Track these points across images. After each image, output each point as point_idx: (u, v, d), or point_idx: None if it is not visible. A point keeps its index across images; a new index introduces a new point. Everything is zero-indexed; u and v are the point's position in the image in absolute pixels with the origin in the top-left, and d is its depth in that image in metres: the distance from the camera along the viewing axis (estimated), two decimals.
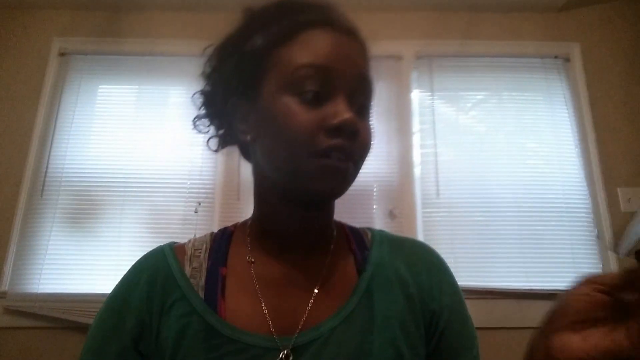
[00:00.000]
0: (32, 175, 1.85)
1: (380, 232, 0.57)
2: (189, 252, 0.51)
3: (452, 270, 0.54)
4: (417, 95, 1.99)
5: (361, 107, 0.45)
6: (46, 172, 1.85)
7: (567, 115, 1.96)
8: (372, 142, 0.47)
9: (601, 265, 1.77)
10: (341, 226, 0.57)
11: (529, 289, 1.71)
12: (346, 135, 0.42)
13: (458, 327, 0.50)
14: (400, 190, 1.87)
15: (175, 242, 0.55)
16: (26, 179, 1.84)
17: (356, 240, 0.55)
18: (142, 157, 1.89)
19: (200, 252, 0.51)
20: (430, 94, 1.99)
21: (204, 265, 0.49)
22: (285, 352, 0.43)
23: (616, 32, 2.05)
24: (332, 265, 0.50)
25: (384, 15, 2.09)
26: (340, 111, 0.42)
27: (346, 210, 1.99)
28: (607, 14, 2.07)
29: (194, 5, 2.04)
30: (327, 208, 0.52)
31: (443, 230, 1.82)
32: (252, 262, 0.50)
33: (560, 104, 1.98)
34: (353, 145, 0.43)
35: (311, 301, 0.47)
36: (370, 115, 0.48)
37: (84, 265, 1.73)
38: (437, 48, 2.04)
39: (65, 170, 1.86)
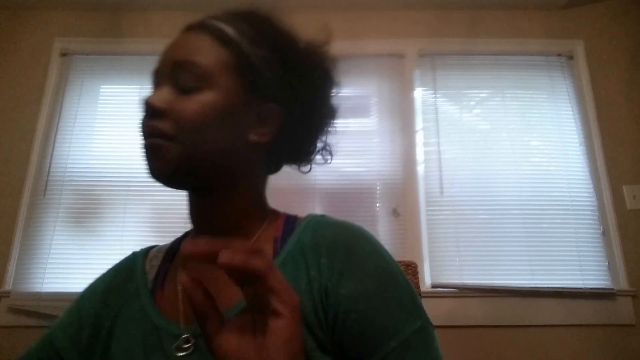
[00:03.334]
0: (34, 175, 1.85)
1: (315, 216, 0.53)
2: (151, 255, 0.59)
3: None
4: (420, 93, 1.99)
5: (186, 88, 0.47)
6: (49, 171, 1.85)
7: (571, 112, 1.95)
8: (197, 117, 0.46)
9: (607, 263, 1.76)
10: (277, 216, 0.55)
11: (534, 287, 1.70)
12: (148, 114, 0.47)
13: (361, 319, 0.43)
14: (403, 188, 1.86)
15: (154, 246, 0.62)
16: (29, 179, 1.84)
17: (286, 228, 0.52)
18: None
19: (161, 253, 0.58)
20: (433, 92, 1.99)
21: (158, 263, 0.57)
22: (183, 338, 0.45)
23: (620, 30, 2.04)
24: None
25: (386, 13, 2.09)
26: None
27: (349, 209, 2.02)
28: (611, 12, 2.07)
29: (195, 5, 2.04)
30: (219, 192, 0.50)
31: (447, 228, 1.79)
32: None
33: (564, 101, 1.97)
34: (160, 123, 0.46)
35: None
36: (206, 91, 0.47)
37: (87, 264, 1.72)
38: (439, 46, 2.04)
39: (67, 170, 1.86)
